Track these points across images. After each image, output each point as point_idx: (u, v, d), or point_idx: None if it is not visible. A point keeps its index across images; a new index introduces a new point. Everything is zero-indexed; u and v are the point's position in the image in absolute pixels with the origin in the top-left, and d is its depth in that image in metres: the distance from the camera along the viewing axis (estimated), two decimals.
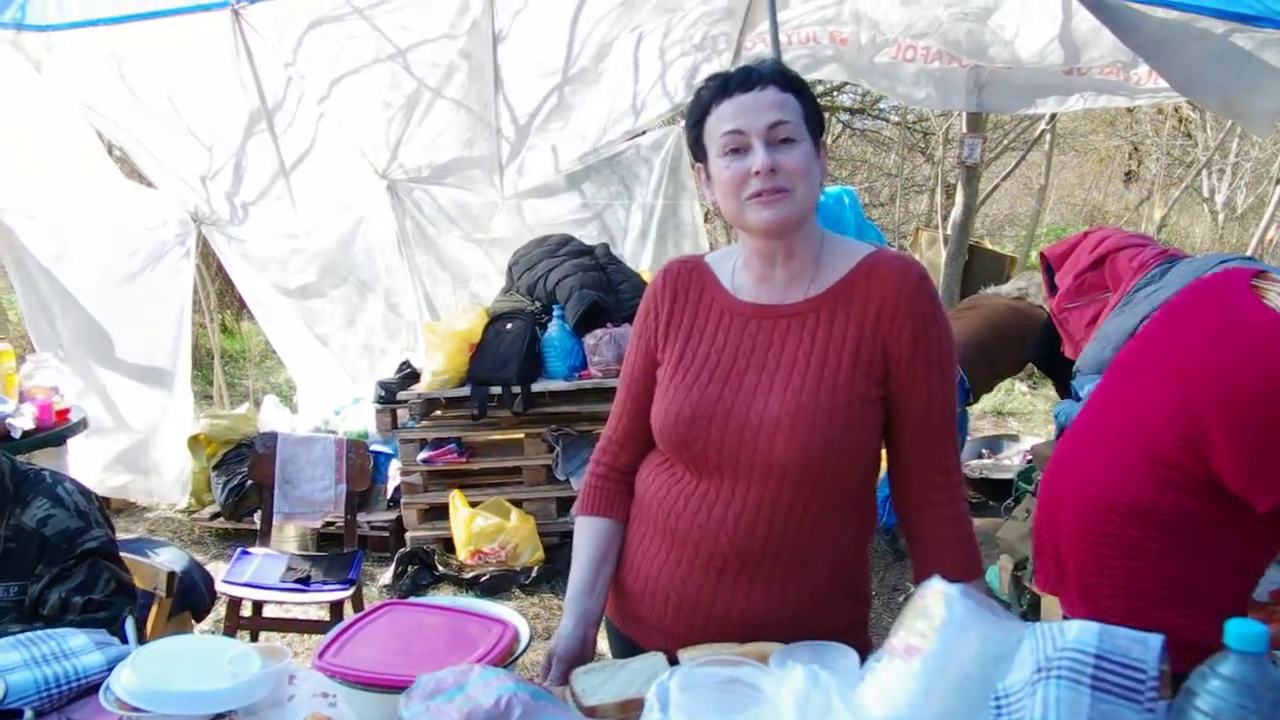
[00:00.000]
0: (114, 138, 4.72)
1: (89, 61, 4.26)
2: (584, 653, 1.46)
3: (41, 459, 4.08)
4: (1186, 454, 1.67)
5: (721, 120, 1.36)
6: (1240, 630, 0.92)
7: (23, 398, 3.87)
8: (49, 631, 1.57)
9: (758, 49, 4.86)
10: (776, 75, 1.36)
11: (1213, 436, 1.62)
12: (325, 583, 3.19)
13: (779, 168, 1.32)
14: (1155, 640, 1.03)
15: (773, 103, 1.34)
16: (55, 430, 3.87)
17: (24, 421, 3.67)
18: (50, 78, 4.25)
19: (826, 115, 1.42)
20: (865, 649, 1.38)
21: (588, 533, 1.53)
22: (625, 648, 1.54)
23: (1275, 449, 1.59)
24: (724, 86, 1.37)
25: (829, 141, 1.55)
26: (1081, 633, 1.04)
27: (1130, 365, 1.93)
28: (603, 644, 3.42)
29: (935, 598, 1.01)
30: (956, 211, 6.62)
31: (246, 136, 4.66)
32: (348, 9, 4.17)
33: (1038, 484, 3.69)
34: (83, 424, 4.08)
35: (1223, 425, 1.62)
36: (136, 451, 4.87)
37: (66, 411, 3.97)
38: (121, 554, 2.04)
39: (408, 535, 4.26)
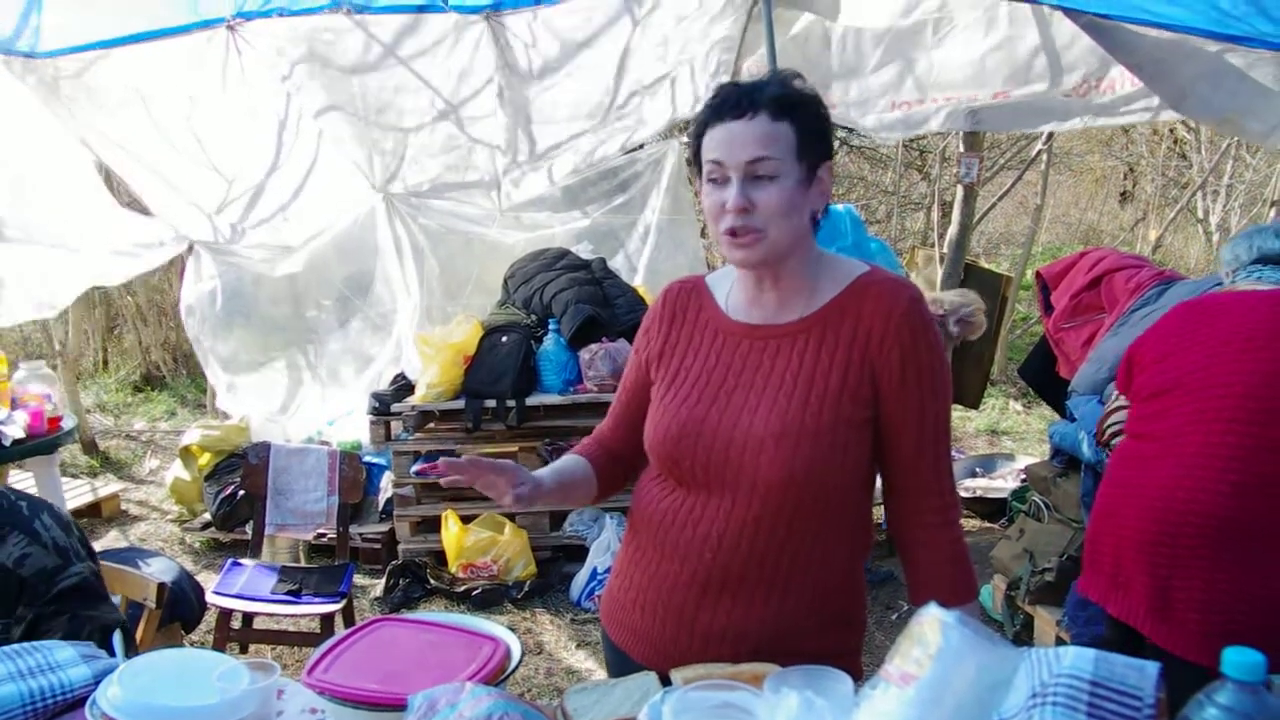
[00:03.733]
0: (116, 165, 4.70)
1: (102, 90, 4.25)
2: (499, 468, 1.45)
3: (32, 467, 4.09)
4: (1272, 446, 1.76)
5: (710, 146, 1.34)
6: (1237, 659, 0.91)
7: (15, 405, 3.85)
8: (35, 644, 1.56)
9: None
10: (771, 101, 1.31)
11: None
12: (316, 595, 3.17)
13: (754, 206, 1.31)
14: (1152, 667, 1.02)
15: (758, 136, 1.30)
16: (46, 439, 3.85)
17: (15, 430, 3.66)
18: (55, 103, 4.24)
19: None
20: (857, 674, 1.37)
21: (566, 459, 1.60)
22: (617, 657, 1.55)
23: None
24: (718, 110, 1.34)
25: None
26: (1077, 658, 1.03)
27: (1188, 383, 1.97)
28: (593, 661, 3.40)
29: (932, 625, 1.00)
30: (953, 230, 6.63)
31: (262, 165, 4.66)
32: (373, 48, 4.19)
33: (1031, 504, 3.69)
34: (75, 432, 4.06)
35: None
36: None
37: (58, 420, 3.96)
38: (111, 564, 2.02)
39: (400, 548, 4.24)
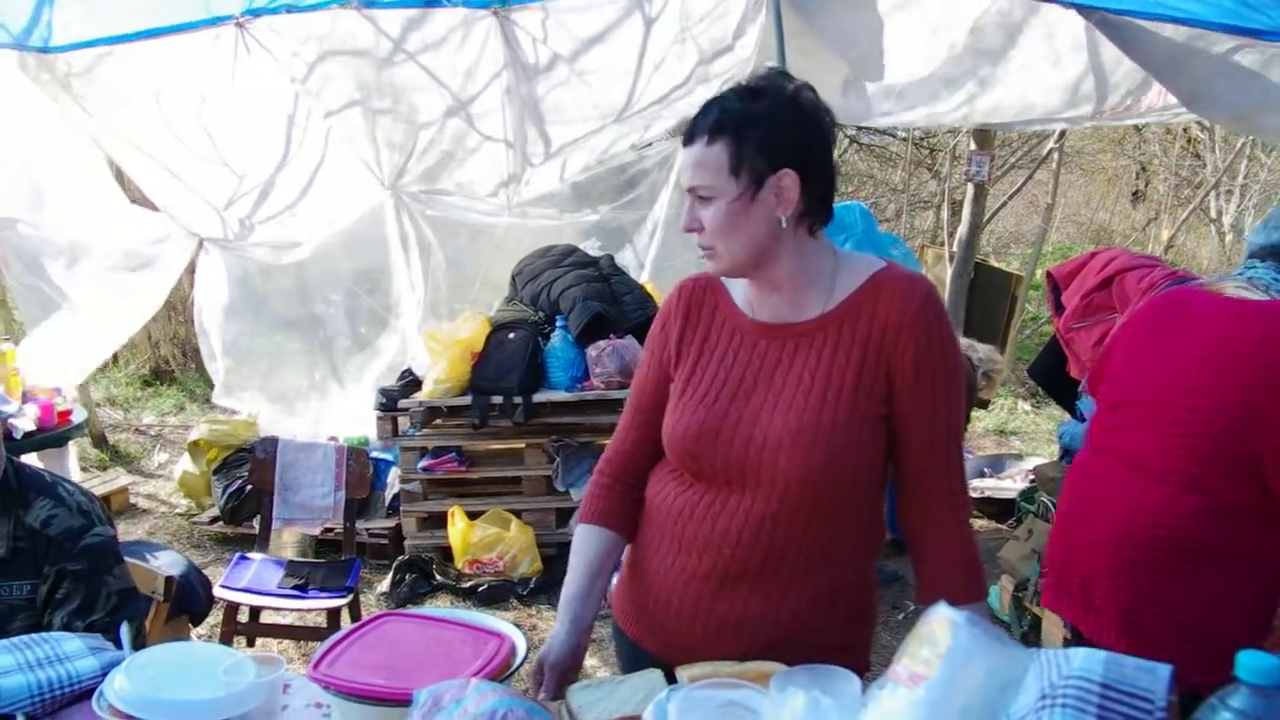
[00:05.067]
0: (126, 162, 4.72)
1: (112, 86, 4.27)
2: (575, 660, 1.47)
3: (43, 460, 4.11)
4: (1231, 470, 1.72)
5: None
6: (1252, 662, 0.90)
7: (25, 398, 3.88)
8: (44, 635, 1.56)
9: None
10: (709, 125, 1.34)
11: (1265, 438, 1.68)
12: (323, 590, 3.17)
13: (701, 226, 1.38)
14: (1163, 670, 1.01)
15: (693, 162, 1.36)
16: (56, 431, 3.87)
17: (26, 422, 3.68)
18: (66, 100, 4.26)
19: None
20: (865, 667, 1.36)
21: (587, 540, 1.54)
22: (628, 649, 1.55)
23: None
24: (683, 138, 1.41)
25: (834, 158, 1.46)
26: (1087, 660, 1.02)
27: (1132, 391, 1.93)
28: (598, 658, 3.40)
29: (941, 624, 1.00)
30: (963, 229, 6.61)
31: (271, 161, 4.66)
32: (382, 43, 4.18)
33: (1040, 504, 3.67)
34: (84, 425, 4.08)
35: (1270, 431, 1.68)
36: None
37: (68, 413, 3.98)
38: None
39: (406, 543, 4.24)
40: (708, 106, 1.38)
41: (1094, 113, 4.29)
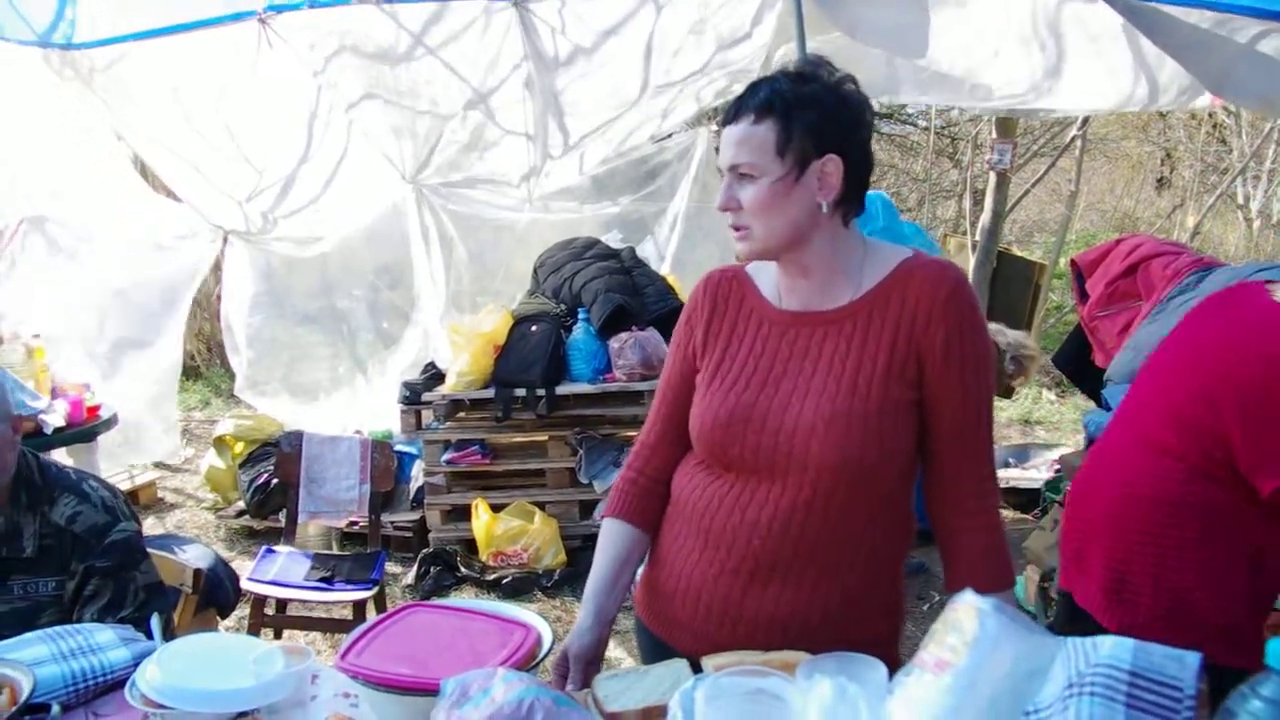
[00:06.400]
0: (149, 155, 4.76)
1: (133, 82, 4.31)
2: (598, 652, 1.48)
3: (72, 455, 4.16)
4: (1202, 442, 1.75)
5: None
6: None
7: (55, 394, 3.92)
8: (77, 626, 1.59)
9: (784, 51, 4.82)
10: (758, 104, 1.34)
11: (1226, 421, 1.69)
12: (349, 582, 3.20)
13: (738, 205, 1.37)
14: (1192, 658, 1.00)
15: (737, 140, 1.35)
16: (86, 427, 3.92)
17: (56, 418, 3.72)
18: (90, 96, 4.30)
19: None
20: (893, 665, 1.36)
21: (612, 535, 1.55)
22: (654, 647, 1.53)
23: (1276, 429, 1.63)
24: (724, 115, 1.41)
25: None
26: (1116, 648, 1.02)
27: (1155, 368, 1.99)
28: (623, 649, 3.40)
29: (968, 612, 0.99)
30: (985, 217, 6.56)
31: (292, 156, 4.69)
32: (402, 38, 4.19)
33: (1065, 494, 3.64)
34: (113, 420, 4.13)
35: (1234, 409, 1.69)
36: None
37: (97, 408, 4.02)
38: (149, 550, 2.06)
39: (431, 536, 4.27)
40: (756, 86, 1.37)
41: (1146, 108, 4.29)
